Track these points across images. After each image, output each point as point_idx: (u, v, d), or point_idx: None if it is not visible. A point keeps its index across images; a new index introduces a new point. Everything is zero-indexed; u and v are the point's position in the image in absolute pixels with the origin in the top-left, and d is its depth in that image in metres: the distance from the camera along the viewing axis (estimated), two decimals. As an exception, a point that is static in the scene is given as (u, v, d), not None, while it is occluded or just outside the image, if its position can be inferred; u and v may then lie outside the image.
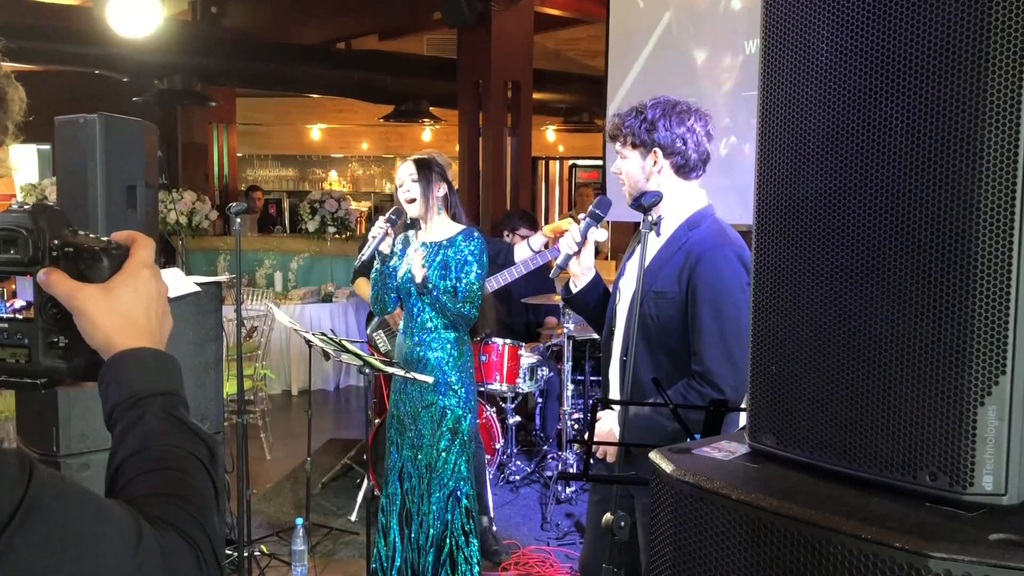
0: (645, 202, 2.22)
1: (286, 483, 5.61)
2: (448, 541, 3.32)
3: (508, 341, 5.15)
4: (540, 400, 6.01)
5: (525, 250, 4.67)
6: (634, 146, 2.41)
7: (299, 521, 4.27)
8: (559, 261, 2.48)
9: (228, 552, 4.11)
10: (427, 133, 13.28)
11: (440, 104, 10.11)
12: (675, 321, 2.34)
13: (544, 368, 5.51)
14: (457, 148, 7.66)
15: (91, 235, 1.01)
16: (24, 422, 3.88)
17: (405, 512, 3.42)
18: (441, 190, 3.36)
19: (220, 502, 0.94)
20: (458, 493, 3.34)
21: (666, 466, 1.26)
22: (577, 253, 2.49)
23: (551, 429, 5.86)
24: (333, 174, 14.66)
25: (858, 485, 1.15)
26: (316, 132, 14.27)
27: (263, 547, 4.37)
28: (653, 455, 1.31)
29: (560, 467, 5.27)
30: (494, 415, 5.15)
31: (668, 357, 2.38)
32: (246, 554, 3.94)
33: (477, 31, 7.04)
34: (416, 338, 3.38)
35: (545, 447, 5.78)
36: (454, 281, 3.29)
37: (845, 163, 1.17)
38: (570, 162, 14.66)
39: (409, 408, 3.40)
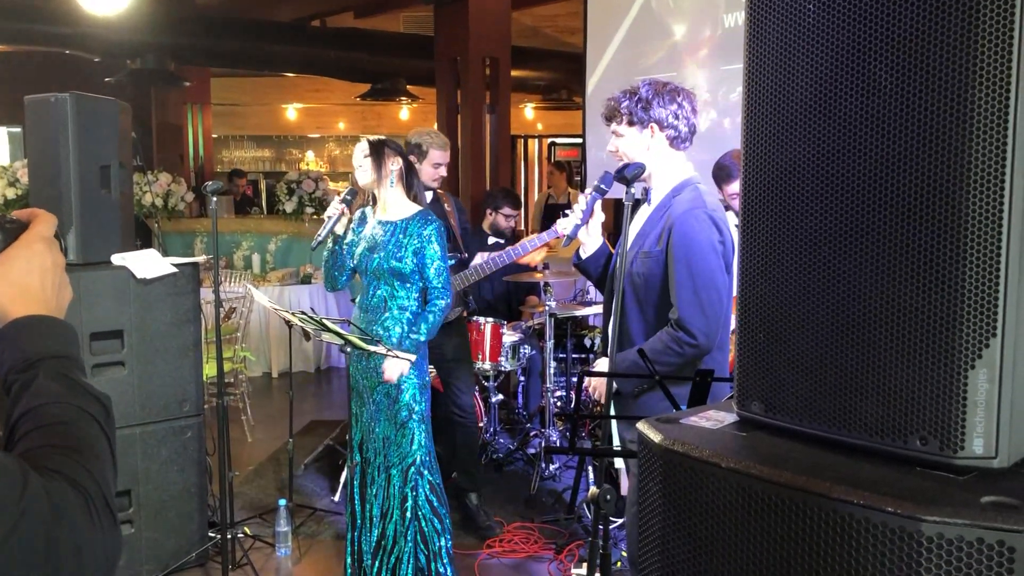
0: (628, 174, 2.28)
1: (268, 465, 5.58)
2: (414, 515, 3.33)
3: (490, 320, 5.14)
4: (523, 378, 6.00)
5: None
6: (631, 123, 2.64)
7: (282, 502, 4.25)
8: (569, 231, 2.71)
9: (211, 535, 4.09)
10: (405, 112, 13.18)
11: (418, 82, 10.01)
12: (658, 278, 2.59)
13: (526, 346, 5.51)
14: (435, 126, 7.60)
15: None
16: None
17: (364, 484, 3.45)
18: (396, 163, 3.38)
19: (114, 456, 0.99)
20: (421, 467, 3.34)
21: (654, 436, 1.25)
22: (585, 223, 2.73)
23: (534, 406, 5.87)
24: (310, 154, 14.52)
25: (848, 451, 1.14)
26: (292, 112, 14.13)
27: (246, 529, 4.36)
28: (641, 425, 1.30)
29: (543, 444, 5.28)
30: (477, 393, 5.14)
31: (654, 310, 2.63)
32: (229, 536, 3.92)
33: (454, 7, 6.96)
34: (372, 315, 3.39)
35: (528, 425, 5.78)
36: (409, 263, 3.31)
37: (832, 127, 1.15)
38: (549, 140, 14.61)
39: (367, 382, 3.42)
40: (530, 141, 14.76)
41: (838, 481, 1.04)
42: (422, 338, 3.31)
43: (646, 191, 2.67)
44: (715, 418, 1.32)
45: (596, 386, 2.74)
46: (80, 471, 0.91)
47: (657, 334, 2.57)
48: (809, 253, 1.19)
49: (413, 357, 3.16)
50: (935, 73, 1.05)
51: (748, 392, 1.27)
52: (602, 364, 2.79)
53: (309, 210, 8.47)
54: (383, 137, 3.50)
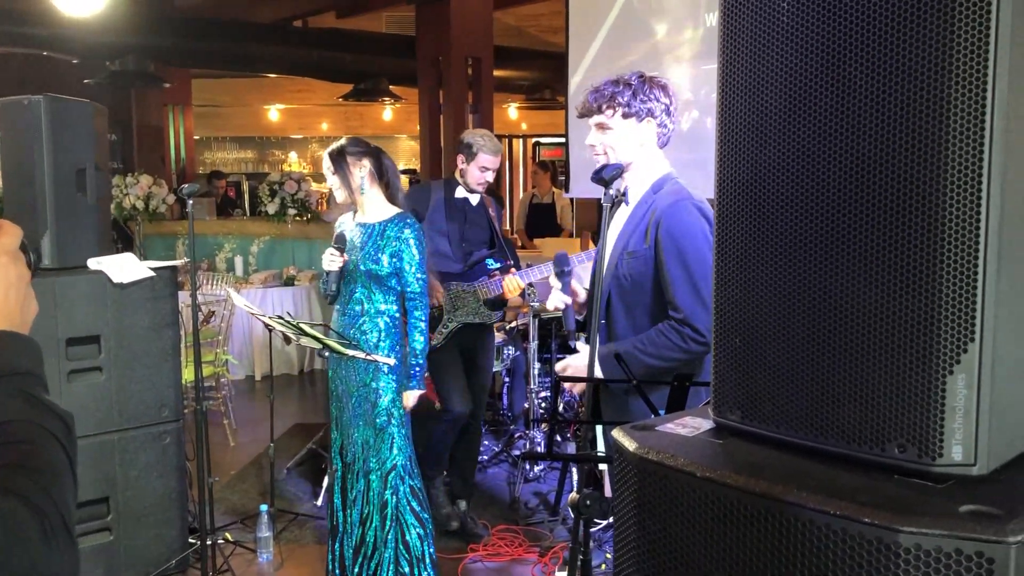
0: (606, 175, 2.21)
1: (251, 469, 5.53)
2: (395, 520, 3.30)
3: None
4: (507, 379, 5.97)
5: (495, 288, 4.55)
6: (626, 116, 2.45)
7: (263, 508, 4.21)
8: (569, 325, 2.58)
9: (192, 541, 4.05)
10: (388, 112, 13.13)
11: (401, 82, 9.97)
12: (646, 277, 2.44)
13: (510, 348, 5.48)
14: (419, 127, 7.56)
15: None
16: None
17: (344, 489, 3.43)
18: (362, 168, 3.33)
19: (75, 475, 0.97)
20: (401, 472, 3.32)
21: (629, 444, 1.22)
22: (576, 307, 2.63)
23: (518, 408, 5.84)
24: (293, 155, 14.46)
25: (826, 459, 1.12)
26: (274, 113, 14.06)
27: (227, 535, 4.31)
28: (616, 433, 1.28)
29: (528, 446, 5.25)
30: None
31: (644, 313, 2.48)
32: (210, 542, 3.87)
33: (436, 6, 6.93)
34: (350, 319, 3.36)
35: (512, 427, 5.75)
36: (386, 266, 3.29)
37: (807, 128, 1.13)
38: (533, 140, 14.59)
39: (345, 387, 3.39)
40: (515, 141, 14.73)
41: (814, 490, 1.02)
42: (422, 360, 3.33)
43: (624, 191, 2.52)
44: (692, 425, 1.29)
45: (575, 384, 2.61)
46: (37, 491, 0.89)
47: (657, 328, 2.40)
48: (784, 256, 1.16)
49: (392, 361, 3.13)
50: (910, 72, 1.02)
51: (724, 398, 1.25)
52: (577, 360, 2.59)
53: (292, 211, 8.42)
54: (342, 143, 3.41)
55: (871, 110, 1.06)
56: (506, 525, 4.50)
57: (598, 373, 2.28)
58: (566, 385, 2.65)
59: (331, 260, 3.35)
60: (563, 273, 2.51)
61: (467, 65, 7.03)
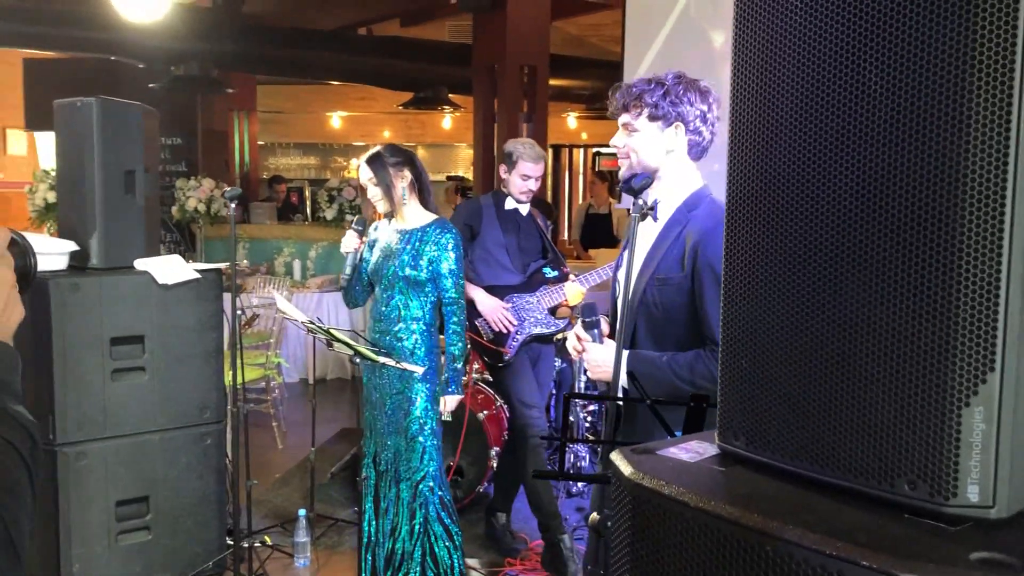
0: (636, 184, 2.10)
1: (295, 473, 5.55)
2: (423, 530, 3.26)
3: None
4: (554, 392, 5.89)
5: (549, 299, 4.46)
6: (652, 118, 2.24)
7: (302, 512, 4.21)
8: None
9: (229, 543, 4.06)
10: (447, 120, 13.18)
11: (460, 91, 9.99)
12: (679, 307, 2.21)
13: (557, 360, 5.40)
14: (472, 135, 7.55)
15: None
16: (22, 410, 3.84)
17: (377, 498, 3.41)
18: (404, 179, 3.29)
19: (34, 489, 0.94)
20: (431, 483, 3.27)
21: (624, 468, 1.15)
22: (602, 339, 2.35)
23: (565, 421, 5.75)
24: (354, 162, 14.60)
25: (833, 493, 1.04)
26: (337, 120, 14.22)
27: (266, 538, 4.32)
28: (614, 455, 1.21)
29: (573, 459, 5.16)
30: (504, 408, 5.05)
31: (674, 344, 2.23)
32: (246, 545, 3.88)
33: (493, 15, 6.92)
34: (385, 324, 3.34)
35: (558, 440, 5.66)
36: (424, 272, 3.26)
37: (819, 135, 1.05)
38: (593, 150, 14.50)
39: (379, 395, 3.35)
40: (574, 151, 14.66)
41: (813, 527, 0.94)
42: (460, 364, 3.30)
43: (653, 204, 2.27)
44: (696, 450, 1.22)
45: (596, 368, 2.29)
46: None
47: (697, 353, 2.16)
48: (793, 273, 1.08)
49: (421, 369, 3.10)
50: (929, 75, 0.94)
51: (729, 423, 1.17)
52: (602, 353, 2.28)
53: (349, 217, 8.48)
54: (378, 150, 3.38)
55: (885, 115, 0.98)
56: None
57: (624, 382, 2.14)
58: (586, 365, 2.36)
59: (349, 241, 3.37)
60: (591, 324, 2.28)
61: (522, 73, 7.00)
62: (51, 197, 7.00)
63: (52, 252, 3.64)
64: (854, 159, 1.01)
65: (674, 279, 2.20)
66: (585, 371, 2.61)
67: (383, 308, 3.34)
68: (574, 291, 4.16)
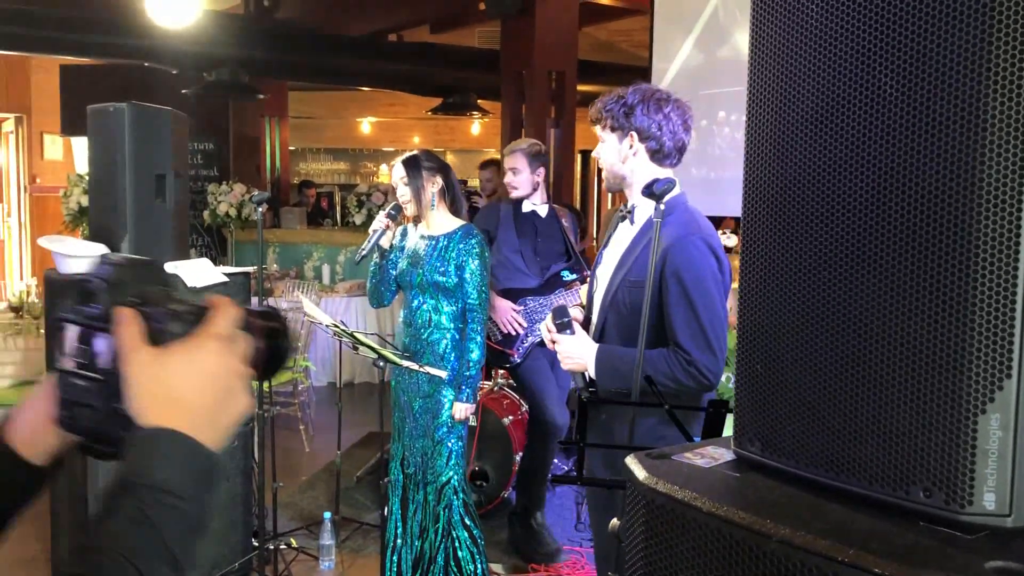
0: (656, 189, 2.12)
1: (322, 476, 5.58)
2: (446, 534, 3.27)
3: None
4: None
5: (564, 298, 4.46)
6: (612, 129, 2.43)
7: (327, 515, 4.23)
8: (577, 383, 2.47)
9: (255, 544, 4.09)
10: (476, 126, 13.22)
11: (489, 97, 10.01)
12: (648, 307, 2.28)
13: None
14: (499, 141, 7.57)
15: (177, 296, 0.88)
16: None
17: (405, 500, 3.42)
18: (435, 185, 3.31)
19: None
20: (456, 486, 3.28)
21: (639, 472, 1.15)
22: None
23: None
24: (384, 168, 14.69)
25: (847, 499, 1.03)
26: (367, 126, 14.30)
27: (292, 540, 4.34)
28: (629, 460, 1.20)
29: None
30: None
31: (643, 341, 2.31)
32: (271, 547, 3.91)
33: (521, 20, 6.93)
34: (416, 329, 3.35)
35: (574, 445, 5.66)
36: (452, 277, 3.26)
37: (834, 139, 1.04)
38: (624, 155, 14.44)
39: (407, 397, 3.36)
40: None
41: (825, 534, 0.93)
42: (473, 372, 3.29)
43: (631, 208, 2.45)
44: (711, 455, 1.21)
45: (567, 359, 2.38)
46: None
47: (661, 352, 2.27)
48: (809, 278, 1.08)
49: (445, 373, 3.11)
50: (945, 81, 0.93)
51: (745, 429, 1.17)
52: (574, 345, 2.38)
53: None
54: (415, 154, 3.42)
55: (902, 118, 0.97)
56: (570, 546, 4.41)
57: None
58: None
59: (379, 220, 3.39)
60: (563, 326, 2.38)
61: (550, 79, 7.00)
62: (84, 201, 7.11)
63: (84, 255, 3.69)
64: (870, 164, 1.00)
65: (642, 282, 2.29)
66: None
67: (414, 314, 3.36)
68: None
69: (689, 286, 2.25)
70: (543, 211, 4.30)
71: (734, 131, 5.32)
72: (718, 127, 5.46)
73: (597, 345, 2.36)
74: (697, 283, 2.26)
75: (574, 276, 4.32)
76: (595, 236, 11.35)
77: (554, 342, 2.41)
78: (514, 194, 4.28)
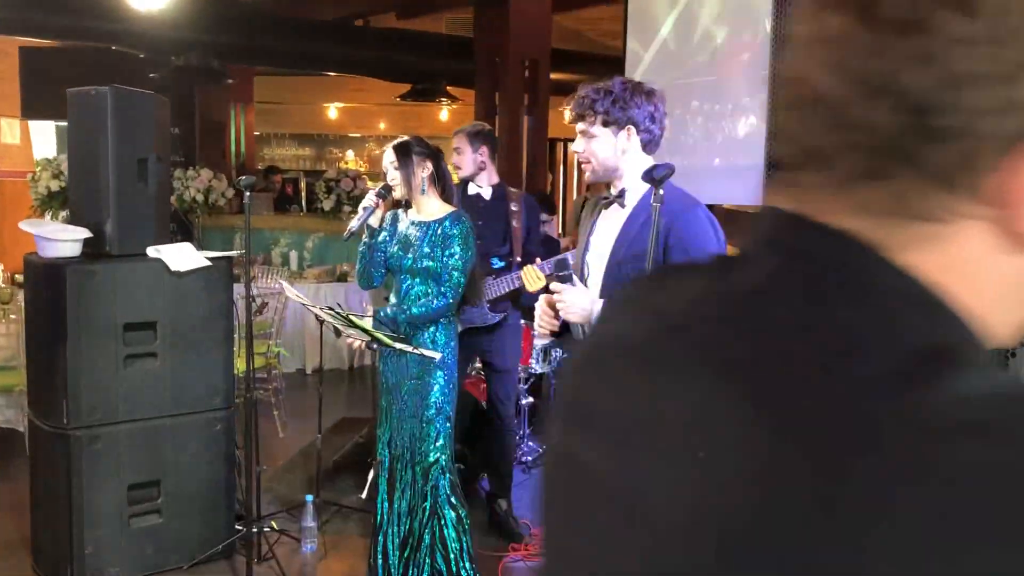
0: (657, 175, 2.20)
1: (298, 460, 5.61)
2: (433, 513, 3.33)
3: (521, 321, 5.11)
4: (554, 381, 5.97)
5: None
6: (605, 124, 2.48)
7: (309, 498, 4.27)
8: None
9: (238, 527, 4.12)
10: (444, 113, 13.22)
11: (458, 83, 10.04)
12: None
13: (558, 349, 5.47)
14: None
15: None
16: (35, 395, 3.89)
17: (392, 481, 3.47)
18: (426, 170, 3.36)
19: None
20: (443, 466, 3.34)
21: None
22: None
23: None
24: (350, 154, 14.62)
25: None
26: (333, 111, 14.23)
27: (273, 523, 4.37)
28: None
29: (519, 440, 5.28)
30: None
31: None
32: (255, 530, 3.94)
33: (494, 8, 6.97)
34: (403, 305, 3.38)
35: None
36: (440, 262, 3.31)
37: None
38: (590, 144, 14.53)
39: (396, 380, 3.40)
40: (571, 144, 14.72)
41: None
42: (403, 317, 3.29)
43: (621, 193, 2.53)
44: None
45: (570, 310, 2.42)
46: None
47: None
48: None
49: (438, 355, 3.15)
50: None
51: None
52: (576, 296, 2.44)
53: (347, 208, 8.52)
54: (406, 139, 3.46)
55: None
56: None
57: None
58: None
59: (368, 199, 3.41)
60: (564, 278, 2.45)
61: (523, 67, 7.05)
62: (54, 185, 7.03)
63: (68, 239, 3.68)
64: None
65: (645, 252, 2.38)
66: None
67: (404, 298, 3.39)
68: (532, 276, 3.86)
69: (694, 256, 2.29)
70: (487, 193, 4.32)
71: (707, 121, 5.41)
72: (691, 116, 5.55)
73: (602, 301, 2.39)
74: (702, 252, 2.33)
75: (502, 264, 4.32)
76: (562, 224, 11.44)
77: (552, 307, 2.48)
78: (459, 175, 4.29)
